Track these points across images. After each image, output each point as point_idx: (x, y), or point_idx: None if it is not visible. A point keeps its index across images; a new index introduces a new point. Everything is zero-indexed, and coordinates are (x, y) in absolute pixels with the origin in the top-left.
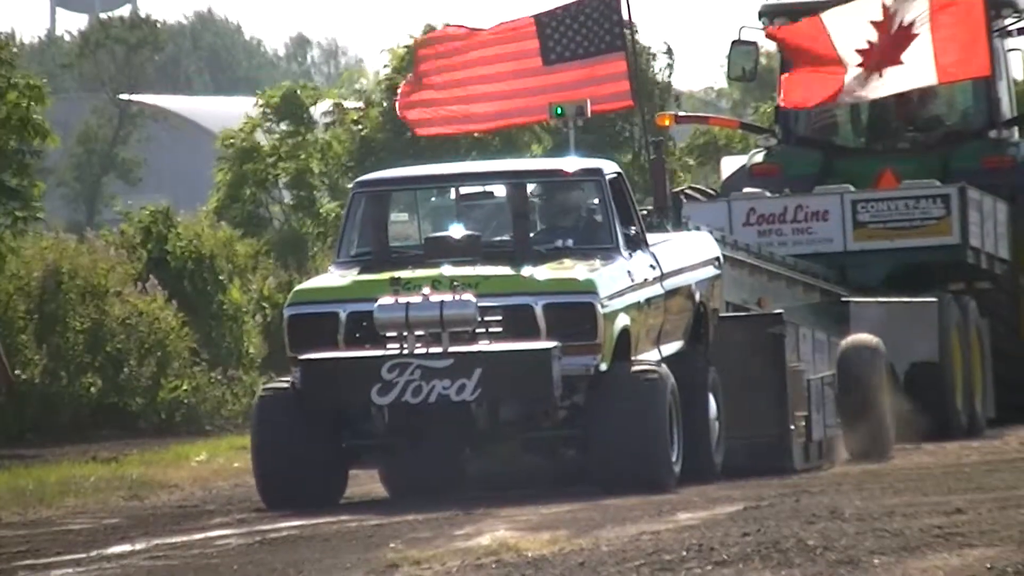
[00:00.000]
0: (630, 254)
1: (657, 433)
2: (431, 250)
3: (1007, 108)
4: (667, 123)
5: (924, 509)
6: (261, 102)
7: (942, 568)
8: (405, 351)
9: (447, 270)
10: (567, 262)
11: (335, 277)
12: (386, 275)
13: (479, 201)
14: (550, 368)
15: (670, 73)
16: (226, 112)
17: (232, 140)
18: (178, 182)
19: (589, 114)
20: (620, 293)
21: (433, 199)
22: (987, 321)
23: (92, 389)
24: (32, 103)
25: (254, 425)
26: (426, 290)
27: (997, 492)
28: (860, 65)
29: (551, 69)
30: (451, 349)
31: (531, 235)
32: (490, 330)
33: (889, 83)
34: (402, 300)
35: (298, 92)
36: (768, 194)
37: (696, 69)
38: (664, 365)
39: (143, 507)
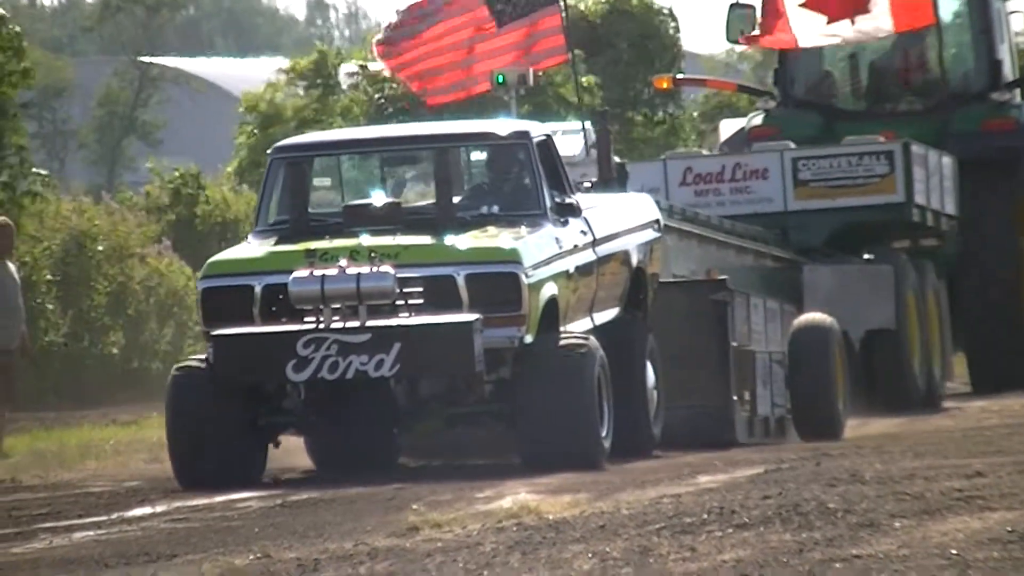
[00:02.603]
0: (559, 220)
1: (584, 407)
2: (350, 219)
3: (1008, 71)
4: (665, 85)
5: (944, 472)
6: (288, 66)
7: (962, 531)
8: (321, 325)
9: (366, 240)
10: (491, 230)
11: (251, 248)
12: (302, 246)
13: (403, 166)
14: (471, 341)
15: (675, 34)
16: (246, 75)
17: (255, 103)
18: (198, 145)
19: (531, 82)
20: (547, 261)
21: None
22: (944, 283)
23: (115, 350)
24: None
25: (167, 403)
26: (343, 262)
27: (1017, 455)
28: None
29: (503, 31)
30: (369, 323)
31: (455, 201)
32: (410, 302)
33: (856, 29)
34: (317, 272)
35: (329, 54)
36: (705, 152)
37: (718, 33)
38: (593, 336)
39: (163, 470)
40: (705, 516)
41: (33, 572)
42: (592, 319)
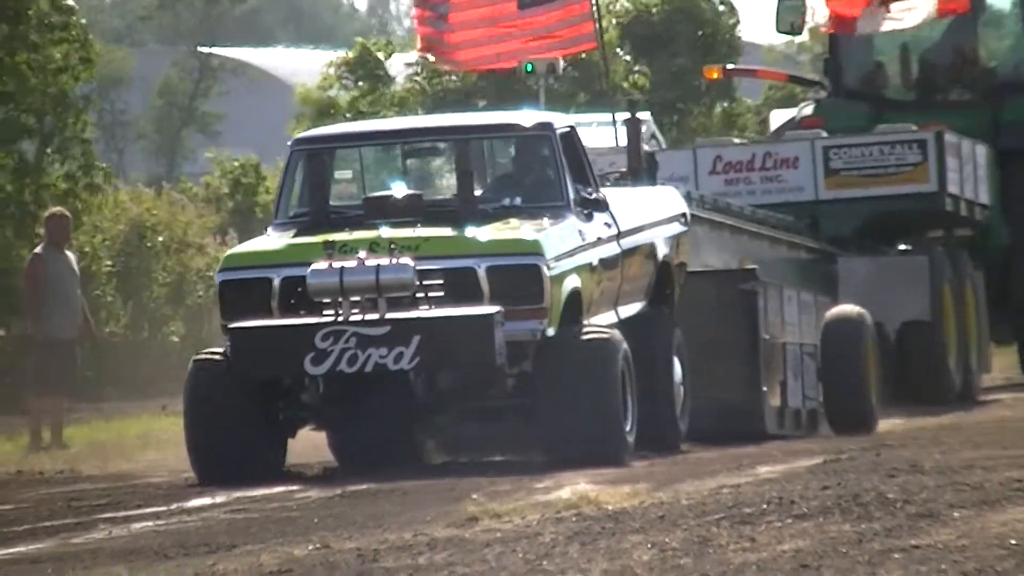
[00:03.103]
0: (582, 212)
1: (607, 401)
2: (370, 211)
3: None
4: (715, 76)
5: (1003, 463)
6: (338, 61)
7: (1021, 521)
8: (340, 318)
9: (386, 232)
10: (513, 222)
11: (270, 240)
12: (321, 238)
13: (425, 157)
14: (492, 334)
15: (734, 26)
16: (305, 66)
17: (308, 97)
18: (257, 135)
19: (560, 71)
20: (569, 254)
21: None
22: (981, 275)
23: (174, 339)
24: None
25: (186, 397)
26: (362, 254)
27: None
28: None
29: (525, 14)
30: (388, 316)
31: (477, 194)
32: (430, 295)
33: (897, 18)
34: (336, 265)
35: (371, 48)
36: (736, 141)
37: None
38: (617, 329)
39: None
40: (764, 506)
41: (93, 562)
42: (617, 313)
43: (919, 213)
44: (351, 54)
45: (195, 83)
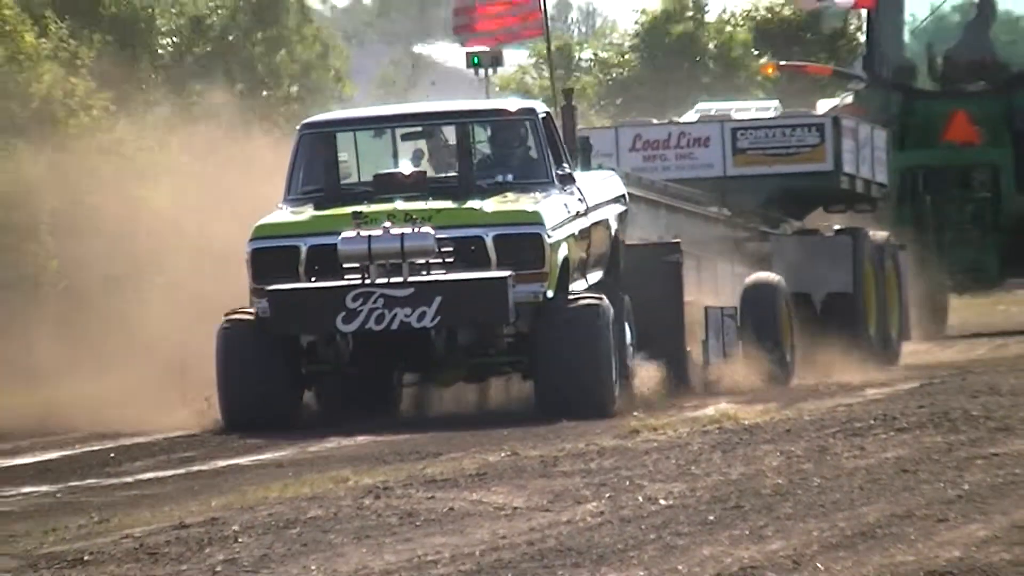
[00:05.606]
0: (563, 188)
1: (601, 358)
2: (381, 186)
3: None
4: (771, 71)
5: None
6: (534, 54)
7: None
8: (367, 281)
9: (400, 205)
10: (510, 196)
11: (292, 213)
12: (345, 210)
13: (419, 140)
14: (506, 295)
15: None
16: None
17: (507, 84)
18: None
19: (504, 63)
20: (561, 224)
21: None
22: (905, 253)
23: None
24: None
25: (218, 354)
26: (386, 223)
27: None
28: None
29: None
30: (411, 279)
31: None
32: (444, 260)
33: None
34: (364, 233)
35: (570, 46)
36: (655, 121)
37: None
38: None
39: None
40: (871, 421)
41: (325, 466)
42: (586, 280)
43: (818, 190)
44: (543, 50)
45: (408, 78)
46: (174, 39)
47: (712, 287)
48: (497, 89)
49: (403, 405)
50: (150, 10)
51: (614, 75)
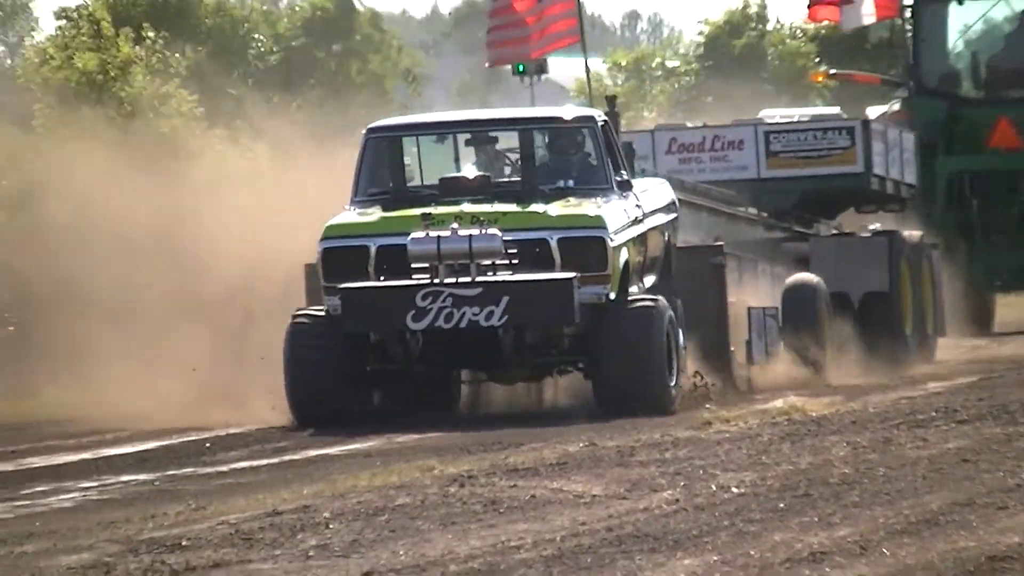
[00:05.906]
0: (621, 194)
1: (658, 358)
2: (447, 189)
3: None
4: (820, 79)
5: None
6: (610, 62)
7: None
8: (436, 281)
9: (467, 207)
10: (573, 200)
11: (360, 214)
12: (414, 212)
13: (481, 146)
14: (572, 296)
15: None
16: (574, 72)
17: (582, 89)
18: None
19: (548, 70)
20: (622, 229)
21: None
22: (938, 253)
23: None
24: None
25: (288, 349)
26: (454, 225)
27: None
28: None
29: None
30: (479, 279)
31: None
32: (509, 262)
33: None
34: (433, 234)
35: (644, 56)
36: (689, 125)
37: None
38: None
39: None
40: (933, 413)
41: (412, 455)
42: (643, 283)
43: (849, 191)
44: (623, 59)
45: (486, 84)
46: (260, 48)
47: (752, 288)
48: (572, 95)
49: (460, 403)
50: (245, 24)
51: (681, 83)
